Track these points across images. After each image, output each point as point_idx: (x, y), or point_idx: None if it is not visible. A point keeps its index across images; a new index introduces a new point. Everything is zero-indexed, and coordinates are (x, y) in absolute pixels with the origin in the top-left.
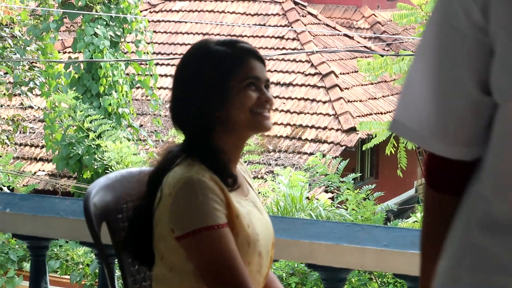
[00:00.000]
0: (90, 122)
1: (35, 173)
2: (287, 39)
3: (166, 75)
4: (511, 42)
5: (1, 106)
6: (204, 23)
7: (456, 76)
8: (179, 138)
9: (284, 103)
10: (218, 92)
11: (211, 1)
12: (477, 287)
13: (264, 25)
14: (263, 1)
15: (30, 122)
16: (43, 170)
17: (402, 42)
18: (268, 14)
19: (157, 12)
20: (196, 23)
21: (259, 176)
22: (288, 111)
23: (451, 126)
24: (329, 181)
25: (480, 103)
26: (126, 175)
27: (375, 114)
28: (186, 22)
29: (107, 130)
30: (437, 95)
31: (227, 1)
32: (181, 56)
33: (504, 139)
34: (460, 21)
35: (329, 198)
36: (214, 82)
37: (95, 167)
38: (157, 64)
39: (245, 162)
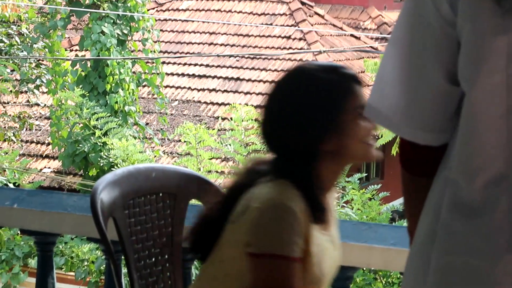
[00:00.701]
0: (97, 120)
1: (41, 170)
2: (293, 39)
3: (172, 74)
4: (476, 34)
5: (8, 103)
6: (211, 22)
7: (425, 66)
8: (185, 137)
9: None
10: (328, 122)
11: (218, 0)
12: (448, 269)
13: (271, 24)
14: (270, 1)
15: (37, 120)
16: (49, 167)
17: None
18: (275, 13)
19: (164, 11)
20: (203, 22)
21: None
22: None
23: (419, 113)
24: None
25: (447, 92)
26: (133, 171)
27: None
28: (193, 21)
29: (113, 128)
30: (406, 84)
31: (234, 0)
32: (279, 81)
33: (470, 125)
34: (430, 13)
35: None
36: (324, 112)
37: (101, 164)
38: (163, 62)
39: None
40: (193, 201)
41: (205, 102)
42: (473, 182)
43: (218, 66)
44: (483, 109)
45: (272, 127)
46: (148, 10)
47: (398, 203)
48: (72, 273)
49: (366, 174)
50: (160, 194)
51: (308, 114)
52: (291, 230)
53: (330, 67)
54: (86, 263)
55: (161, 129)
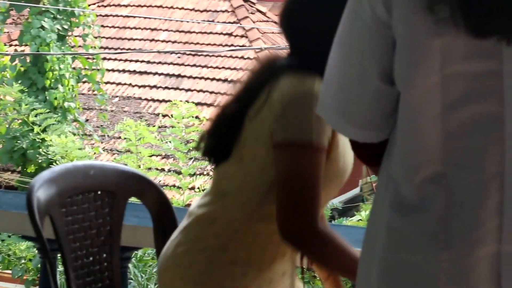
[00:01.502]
0: (35, 116)
1: None
2: (235, 36)
3: (113, 70)
4: (410, 35)
5: None
6: (153, 18)
7: (361, 65)
8: (125, 134)
9: None
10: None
11: None
12: (389, 266)
13: (212, 21)
14: None
15: None
16: None
17: None
18: (217, 10)
19: (105, 6)
20: (144, 18)
21: (205, 173)
22: None
23: (357, 112)
24: None
25: (383, 92)
26: (71, 168)
27: None
28: (134, 17)
29: (52, 124)
30: (344, 82)
31: None
32: None
33: (407, 125)
34: (367, 13)
35: None
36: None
37: (40, 161)
38: (104, 58)
39: (191, 158)
40: (133, 199)
41: (145, 99)
42: (411, 180)
43: (159, 62)
44: (419, 109)
45: (297, 14)
46: (89, 5)
47: (337, 201)
48: (9, 271)
49: None
50: (99, 192)
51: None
52: (319, 118)
53: None
54: (23, 261)
55: (101, 125)
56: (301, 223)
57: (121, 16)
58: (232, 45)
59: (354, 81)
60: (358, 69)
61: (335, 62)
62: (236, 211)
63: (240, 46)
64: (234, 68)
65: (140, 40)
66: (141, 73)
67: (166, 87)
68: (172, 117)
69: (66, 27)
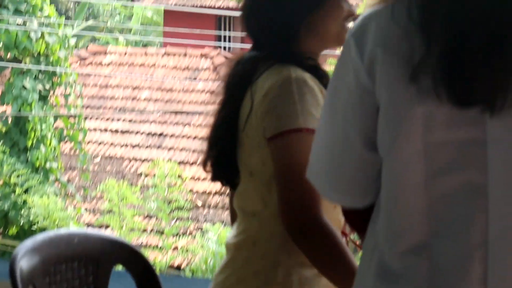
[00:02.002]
0: (17, 177)
1: None
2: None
3: (95, 129)
4: (392, 102)
5: None
6: (134, 76)
7: (346, 132)
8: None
9: None
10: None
11: (142, 54)
12: None
13: (195, 79)
14: (194, 55)
15: None
16: None
17: None
18: (199, 68)
19: (87, 65)
20: (126, 77)
21: (188, 233)
22: None
23: (342, 178)
24: None
25: (368, 159)
26: (54, 237)
27: None
28: (116, 76)
29: (34, 185)
30: (330, 148)
31: (157, 55)
32: None
33: (391, 192)
34: (351, 80)
35: None
36: None
37: (21, 223)
38: (86, 117)
39: (174, 219)
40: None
41: (128, 158)
42: (395, 248)
43: (141, 121)
44: (402, 177)
45: (257, 7)
46: (70, 64)
47: None
48: None
49: None
50: (83, 260)
51: None
52: (305, 101)
53: None
54: None
55: (83, 186)
56: (305, 214)
57: (102, 75)
58: (214, 102)
59: (339, 147)
60: (342, 136)
61: (322, 128)
62: (272, 225)
63: None
64: None
65: (122, 98)
66: (123, 132)
67: (148, 146)
68: (154, 176)
69: (48, 87)
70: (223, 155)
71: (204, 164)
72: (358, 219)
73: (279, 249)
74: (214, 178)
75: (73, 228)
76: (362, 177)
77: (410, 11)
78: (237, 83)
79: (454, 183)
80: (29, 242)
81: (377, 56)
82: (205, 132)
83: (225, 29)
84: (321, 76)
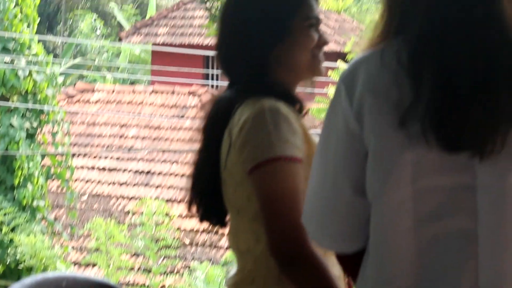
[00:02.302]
0: (4, 215)
1: None
2: None
3: (82, 167)
4: (381, 148)
5: None
6: (122, 114)
7: (336, 178)
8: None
9: None
10: (281, 29)
11: (129, 92)
12: None
13: (182, 117)
14: (182, 93)
15: None
16: None
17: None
18: (187, 106)
19: (74, 103)
20: (114, 114)
21: (175, 271)
22: None
23: (331, 223)
24: None
25: (357, 204)
26: (41, 282)
27: None
28: (103, 113)
29: (21, 224)
30: (321, 193)
31: (145, 92)
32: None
33: (379, 238)
34: (341, 127)
35: None
36: (277, 19)
37: (8, 262)
38: (73, 155)
39: (162, 257)
40: None
41: (115, 196)
42: None
43: (129, 159)
44: (390, 222)
45: (227, 41)
46: (58, 102)
47: None
48: None
49: None
50: None
51: (262, 20)
52: (280, 129)
53: None
54: None
55: (70, 224)
56: (292, 245)
57: (90, 112)
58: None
59: (329, 194)
60: (332, 181)
61: (314, 174)
62: (267, 259)
63: None
64: None
65: (109, 136)
66: (110, 170)
67: (136, 184)
68: (142, 214)
69: (35, 125)
70: (207, 196)
71: (189, 205)
72: (350, 263)
73: (278, 283)
74: (202, 219)
75: (61, 270)
76: (352, 223)
77: (399, 56)
78: (215, 123)
79: (444, 229)
80: (17, 287)
81: (366, 101)
82: (189, 171)
83: (212, 67)
84: (295, 102)
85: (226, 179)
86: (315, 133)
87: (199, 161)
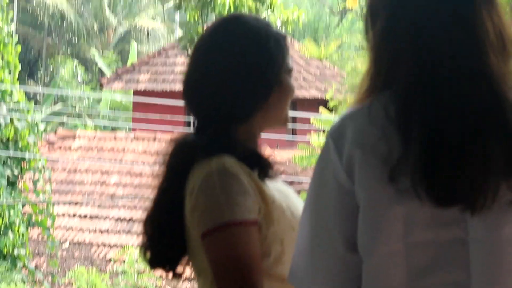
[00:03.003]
0: None
1: None
2: None
3: (63, 215)
4: (371, 203)
5: None
6: (103, 161)
7: (327, 234)
8: (78, 279)
9: None
10: (269, 80)
11: (111, 139)
12: None
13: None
14: (164, 140)
15: None
16: None
17: (301, 183)
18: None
19: (55, 150)
20: (95, 161)
21: None
22: None
23: (324, 280)
24: None
25: (349, 260)
26: None
27: None
28: (85, 160)
29: (2, 272)
30: (312, 250)
31: (126, 139)
32: (204, 34)
33: None
34: (330, 180)
35: None
36: (268, 70)
37: None
38: (55, 203)
39: None
40: None
41: (96, 244)
42: None
43: (110, 206)
44: (383, 277)
45: (201, 85)
46: (39, 149)
47: None
48: None
49: None
50: None
51: (246, 69)
52: (232, 192)
53: (263, 19)
54: None
55: (51, 272)
56: None
57: (71, 159)
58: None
59: (321, 249)
60: (324, 237)
61: (303, 229)
62: None
63: None
64: None
65: (91, 183)
66: (92, 217)
67: (118, 232)
68: (124, 262)
69: (16, 172)
70: (162, 242)
71: (143, 251)
72: None
73: None
74: (153, 265)
75: None
76: (344, 279)
77: (387, 110)
78: (174, 175)
79: (437, 283)
80: None
81: (356, 157)
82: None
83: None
84: (264, 164)
85: (188, 239)
86: (274, 186)
87: (156, 208)
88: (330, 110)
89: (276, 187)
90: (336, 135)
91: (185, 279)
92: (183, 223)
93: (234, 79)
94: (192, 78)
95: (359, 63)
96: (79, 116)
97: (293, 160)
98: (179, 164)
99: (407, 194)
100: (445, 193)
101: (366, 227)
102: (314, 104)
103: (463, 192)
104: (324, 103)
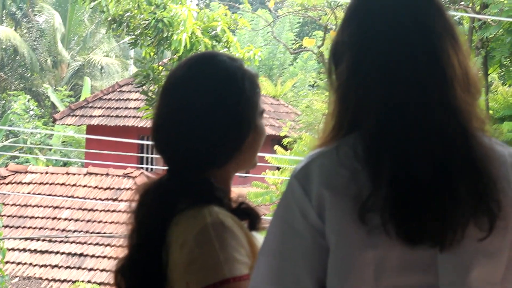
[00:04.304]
0: None
1: None
2: None
3: (13, 249)
4: (342, 246)
5: None
6: (55, 196)
7: (296, 275)
8: None
9: None
10: (247, 124)
11: (63, 174)
12: None
13: (116, 199)
14: (116, 175)
15: None
16: None
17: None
18: (121, 188)
19: (6, 184)
20: (47, 196)
21: None
22: None
23: None
24: None
25: None
26: None
27: None
28: (36, 195)
29: None
30: None
31: (79, 174)
32: (177, 72)
33: None
34: (299, 223)
35: None
36: (242, 112)
37: None
38: (5, 237)
39: None
40: None
41: (47, 279)
42: None
43: (62, 241)
44: None
45: (175, 129)
46: None
47: None
48: None
49: None
50: None
51: (224, 112)
52: (225, 248)
53: (237, 58)
54: None
55: None
56: None
57: (23, 194)
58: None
59: None
60: (291, 280)
61: (264, 275)
62: None
63: None
64: None
65: (42, 218)
66: (42, 252)
67: (68, 267)
68: None
69: None
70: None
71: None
72: None
73: None
74: None
75: None
76: None
77: (355, 151)
78: (151, 226)
79: None
80: None
81: (325, 198)
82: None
83: (147, 152)
84: (247, 216)
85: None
86: (259, 238)
87: (131, 260)
88: (285, 147)
89: (260, 238)
90: (301, 176)
91: None
92: (162, 275)
93: (211, 124)
94: (164, 120)
95: (313, 101)
96: (31, 150)
97: (248, 197)
98: (157, 213)
99: (378, 234)
100: (415, 229)
101: (337, 270)
102: (268, 142)
103: (433, 228)
104: (278, 140)
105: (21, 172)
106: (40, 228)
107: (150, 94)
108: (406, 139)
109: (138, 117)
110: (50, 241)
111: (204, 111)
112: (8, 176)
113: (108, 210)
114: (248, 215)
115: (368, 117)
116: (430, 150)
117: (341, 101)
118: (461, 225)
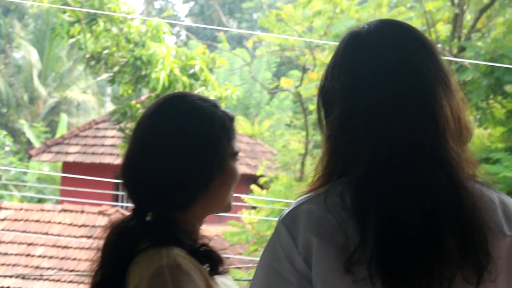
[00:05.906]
0: None
1: None
2: None
3: None
4: None
5: None
6: (30, 233)
7: None
8: None
9: None
10: (211, 167)
11: (38, 210)
12: None
13: (90, 237)
14: (91, 213)
15: None
16: None
17: (228, 259)
18: (95, 225)
19: None
20: (21, 232)
21: None
22: None
23: None
24: None
25: None
26: None
27: None
28: (10, 231)
29: None
30: None
31: (54, 211)
32: (146, 113)
33: None
34: (285, 269)
35: None
36: (207, 155)
37: None
38: None
39: None
40: None
41: None
42: None
43: (35, 278)
44: None
45: (142, 168)
46: None
47: None
48: None
49: None
50: None
51: (190, 153)
52: (184, 284)
53: (210, 99)
54: None
55: None
56: None
57: None
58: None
59: None
60: None
61: None
62: None
63: None
64: None
65: (15, 255)
66: None
67: None
68: None
69: None
70: None
71: None
72: None
73: None
74: None
75: None
76: None
77: (343, 199)
78: (112, 264)
79: None
80: None
81: (313, 244)
82: None
83: (123, 190)
84: (208, 260)
85: None
86: (221, 281)
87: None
88: (261, 186)
89: (223, 282)
90: (288, 220)
91: None
92: None
93: (175, 165)
94: (131, 160)
95: (290, 141)
96: (5, 187)
97: (223, 236)
98: (118, 252)
99: (364, 286)
100: (402, 282)
101: None
102: (245, 181)
103: (419, 281)
104: (254, 179)
105: None
106: (13, 265)
107: (127, 131)
108: (393, 192)
109: (114, 154)
110: (23, 278)
111: (167, 153)
112: None
113: (82, 248)
114: (208, 258)
115: (357, 168)
116: (418, 203)
117: (332, 151)
118: (448, 279)
